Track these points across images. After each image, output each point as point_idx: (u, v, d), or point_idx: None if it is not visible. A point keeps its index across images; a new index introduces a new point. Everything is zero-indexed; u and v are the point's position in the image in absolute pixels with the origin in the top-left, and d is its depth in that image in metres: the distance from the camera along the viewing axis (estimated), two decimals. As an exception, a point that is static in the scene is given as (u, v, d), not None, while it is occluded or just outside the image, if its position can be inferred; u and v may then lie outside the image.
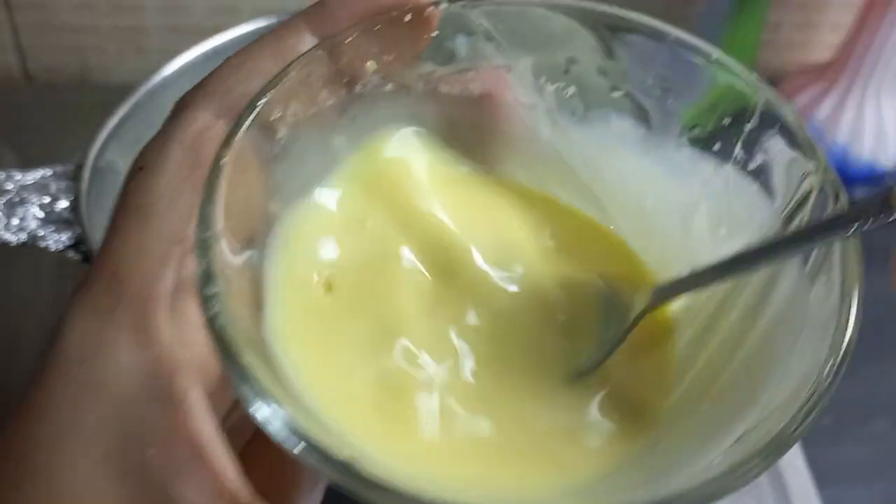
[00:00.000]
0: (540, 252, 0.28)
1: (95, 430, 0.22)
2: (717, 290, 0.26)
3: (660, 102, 0.28)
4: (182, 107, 0.25)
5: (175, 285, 0.22)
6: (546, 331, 0.27)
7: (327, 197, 0.27)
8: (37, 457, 0.23)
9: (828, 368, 0.24)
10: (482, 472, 0.24)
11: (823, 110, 0.68)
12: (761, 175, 0.26)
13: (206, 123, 0.24)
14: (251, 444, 0.24)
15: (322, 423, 0.23)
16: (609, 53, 0.27)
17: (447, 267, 0.27)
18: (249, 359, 0.20)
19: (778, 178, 0.26)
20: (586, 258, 0.28)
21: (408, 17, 0.25)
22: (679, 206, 0.28)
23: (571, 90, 0.28)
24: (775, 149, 0.26)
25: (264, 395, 0.20)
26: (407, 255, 0.27)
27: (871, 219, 0.26)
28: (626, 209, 0.28)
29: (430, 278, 0.27)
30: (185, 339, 0.22)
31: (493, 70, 0.28)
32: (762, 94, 0.26)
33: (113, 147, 0.41)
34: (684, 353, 0.27)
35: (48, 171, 0.39)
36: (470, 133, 0.28)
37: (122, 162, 0.41)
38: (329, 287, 0.26)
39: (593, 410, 0.26)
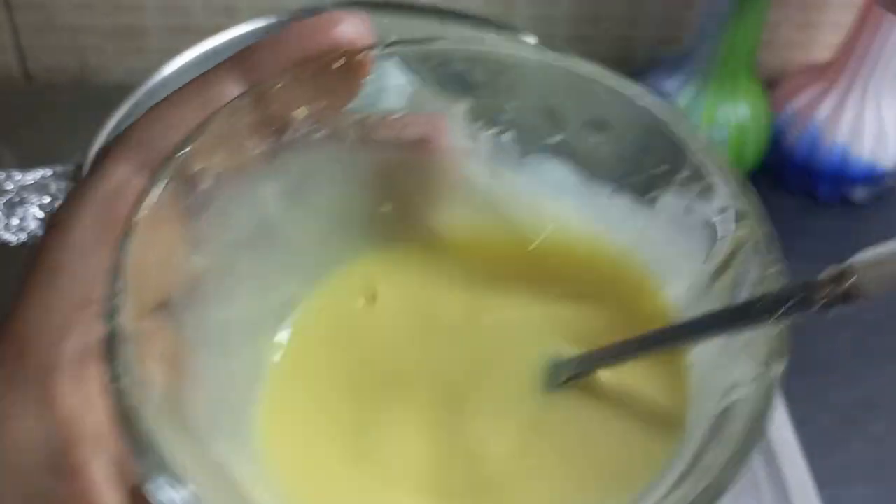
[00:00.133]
0: (476, 327, 0.28)
1: None
2: None
3: (596, 148, 0.27)
4: (102, 159, 0.24)
5: (82, 351, 0.22)
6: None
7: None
8: None
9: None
10: None
11: (823, 110, 0.68)
12: (694, 226, 0.26)
13: (123, 178, 0.23)
14: None
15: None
16: (547, 98, 0.27)
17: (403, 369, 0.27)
18: (155, 428, 0.19)
19: (709, 229, 0.26)
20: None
21: (340, 63, 0.25)
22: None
23: (508, 136, 0.27)
24: (708, 199, 0.26)
25: (166, 470, 0.19)
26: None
27: (798, 308, 0.25)
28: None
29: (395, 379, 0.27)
30: (89, 406, 0.21)
31: (428, 115, 0.27)
32: (698, 143, 0.26)
33: (113, 147, 0.41)
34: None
35: (48, 171, 0.39)
36: (405, 180, 0.28)
37: (122, 162, 0.41)
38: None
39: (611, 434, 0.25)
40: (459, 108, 0.27)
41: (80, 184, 0.24)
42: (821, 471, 0.49)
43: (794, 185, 0.71)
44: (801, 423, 0.50)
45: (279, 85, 0.24)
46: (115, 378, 0.20)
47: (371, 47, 0.25)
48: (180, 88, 0.25)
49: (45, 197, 0.39)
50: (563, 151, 0.27)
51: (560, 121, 0.27)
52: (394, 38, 0.26)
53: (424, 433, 0.26)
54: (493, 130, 0.27)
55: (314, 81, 0.25)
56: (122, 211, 0.22)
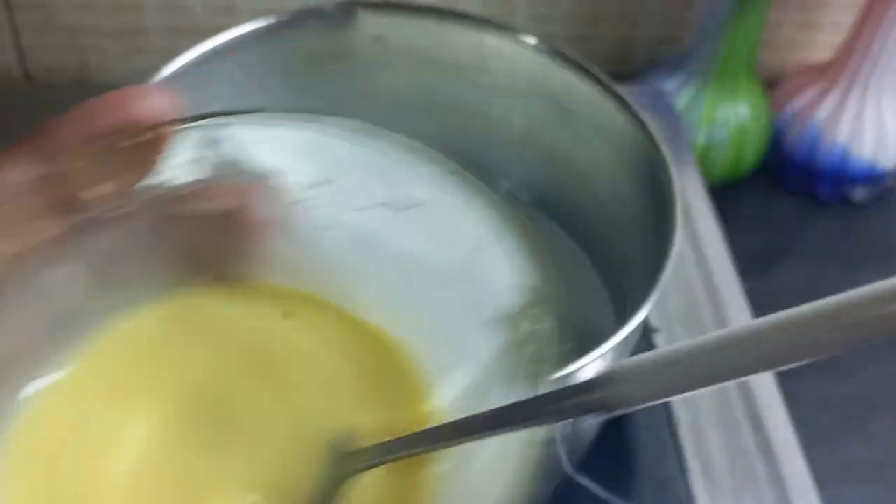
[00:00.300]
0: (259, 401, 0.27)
1: None
2: None
3: None
4: None
5: None
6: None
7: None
8: None
9: None
10: None
11: (823, 110, 0.68)
12: (479, 319, 0.26)
13: None
14: None
15: None
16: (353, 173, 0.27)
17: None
18: None
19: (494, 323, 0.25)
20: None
21: (138, 138, 0.24)
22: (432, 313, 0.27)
23: (325, 198, 0.27)
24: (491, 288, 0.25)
25: None
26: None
27: (555, 416, 0.23)
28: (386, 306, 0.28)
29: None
30: None
31: (236, 185, 0.26)
32: None
33: (113, 147, 0.41)
34: (439, 484, 0.26)
35: (48, 171, 0.39)
36: (215, 251, 0.27)
37: (121, 162, 0.41)
38: None
39: None
40: (273, 176, 0.27)
41: None
42: (820, 470, 0.49)
43: (794, 185, 0.71)
44: (801, 423, 0.50)
45: (75, 162, 0.24)
46: None
47: (170, 122, 0.25)
48: None
49: (44, 197, 0.39)
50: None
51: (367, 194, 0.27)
52: (190, 118, 0.25)
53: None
54: (308, 194, 0.27)
55: (112, 157, 0.24)
56: None
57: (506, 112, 0.50)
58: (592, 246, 0.51)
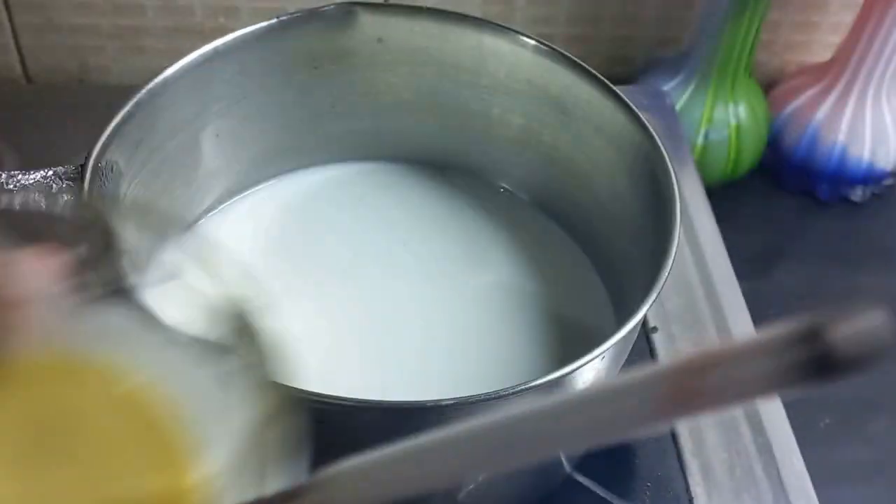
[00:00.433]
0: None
1: None
2: None
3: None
4: None
5: None
6: None
7: None
8: None
9: None
10: None
11: (822, 110, 0.68)
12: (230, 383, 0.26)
13: None
14: None
15: None
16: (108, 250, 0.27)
17: None
18: None
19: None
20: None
21: None
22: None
23: (91, 282, 0.27)
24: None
25: None
26: None
27: None
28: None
29: None
30: None
31: None
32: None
33: (114, 147, 0.41)
34: None
35: (49, 172, 0.39)
36: None
37: (122, 162, 0.41)
38: None
39: None
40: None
41: None
42: (819, 471, 0.49)
43: (794, 185, 0.72)
44: (800, 423, 0.50)
45: None
46: None
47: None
48: None
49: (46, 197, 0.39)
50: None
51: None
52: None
53: None
54: (79, 279, 0.27)
55: None
56: None
57: (506, 112, 0.50)
58: (592, 246, 0.51)
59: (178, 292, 0.27)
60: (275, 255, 0.50)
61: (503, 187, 0.54)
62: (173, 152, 0.46)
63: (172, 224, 0.27)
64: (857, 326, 0.17)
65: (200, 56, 0.44)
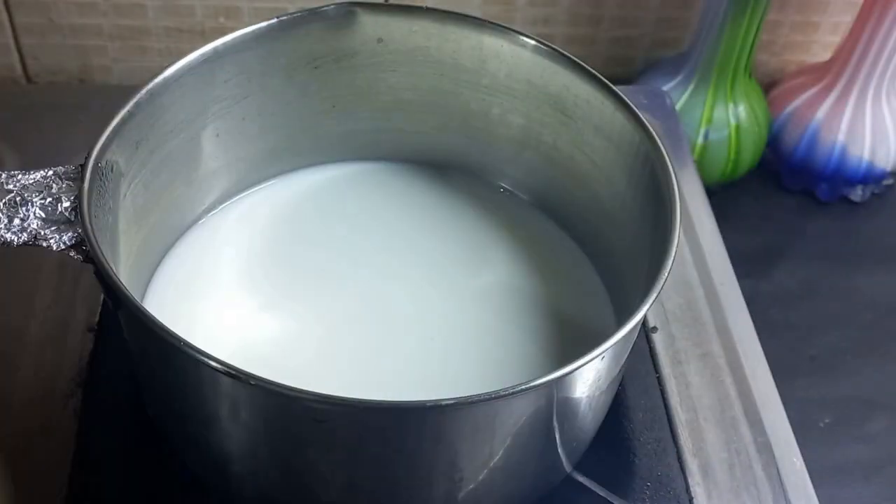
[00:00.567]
0: None
1: None
2: None
3: None
4: None
5: None
6: None
7: None
8: None
9: None
10: None
11: (822, 110, 0.68)
12: None
13: None
14: None
15: None
16: None
17: None
18: None
19: None
20: None
21: None
22: None
23: None
24: None
25: None
26: None
27: None
28: None
29: None
30: None
31: None
32: None
33: (114, 147, 0.41)
34: None
35: (49, 172, 0.39)
36: None
37: (122, 162, 0.41)
38: None
39: None
40: None
41: None
42: (818, 469, 0.49)
43: (793, 184, 0.72)
44: (799, 423, 0.50)
45: None
46: None
47: None
48: None
49: (46, 197, 0.39)
50: None
51: None
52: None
53: None
54: None
55: None
56: None
57: (506, 112, 0.50)
58: (592, 245, 0.51)
59: None
60: (275, 255, 0.50)
61: (503, 187, 0.54)
62: (173, 152, 0.46)
63: None
64: None
65: (200, 56, 0.44)
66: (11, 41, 0.68)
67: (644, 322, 0.53)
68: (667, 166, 0.42)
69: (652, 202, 0.43)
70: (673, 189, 0.41)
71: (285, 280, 0.49)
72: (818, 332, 0.62)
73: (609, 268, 0.50)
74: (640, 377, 0.51)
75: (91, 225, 0.37)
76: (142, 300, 0.47)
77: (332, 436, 0.36)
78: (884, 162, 0.69)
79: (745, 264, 0.59)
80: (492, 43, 0.48)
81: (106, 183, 0.40)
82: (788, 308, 0.64)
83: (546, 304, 0.49)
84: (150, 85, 0.43)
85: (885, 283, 0.66)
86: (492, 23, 0.47)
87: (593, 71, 0.46)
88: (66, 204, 0.39)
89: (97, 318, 0.51)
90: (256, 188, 0.53)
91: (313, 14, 0.47)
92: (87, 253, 0.38)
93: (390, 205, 0.53)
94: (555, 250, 0.52)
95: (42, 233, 0.38)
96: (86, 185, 0.39)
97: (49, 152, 0.58)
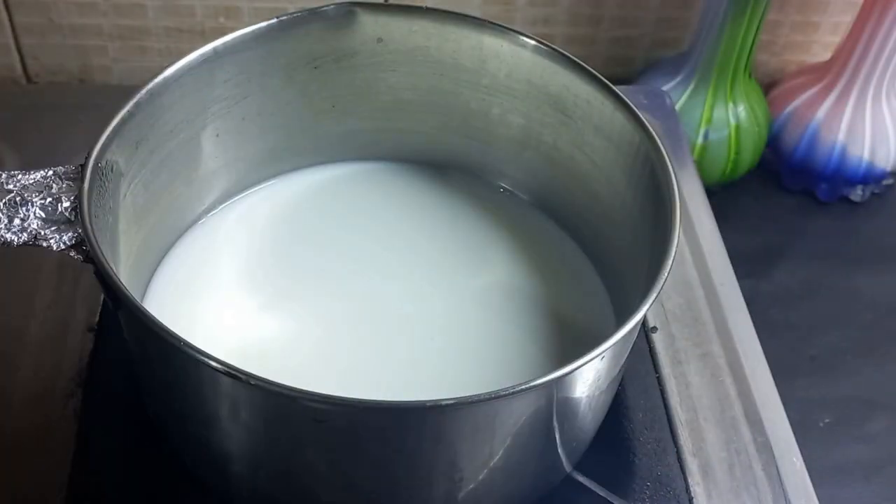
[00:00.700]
0: None
1: None
2: None
3: None
4: None
5: None
6: None
7: None
8: None
9: None
10: None
11: (822, 110, 0.68)
12: None
13: None
14: None
15: None
16: None
17: None
18: None
19: None
20: None
21: None
22: None
23: None
24: None
25: None
26: None
27: None
28: None
29: None
30: None
31: None
32: None
33: (114, 147, 0.41)
34: None
35: (49, 172, 0.39)
36: None
37: (122, 162, 0.41)
38: None
39: None
40: None
41: None
42: (818, 469, 0.49)
43: (793, 184, 0.72)
44: (799, 423, 0.50)
45: None
46: None
47: None
48: None
49: (46, 197, 0.39)
50: None
51: None
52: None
53: None
54: None
55: None
56: None
57: (506, 112, 0.50)
58: (592, 245, 0.51)
59: None
60: (275, 255, 0.50)
61: (503, 187, 0.54)
62: (173, 152, 0.46)
63: None
64: None
65: (200, 56, 0.44)
66: (11, 41, 0.68)
67: (644, 322, 0.53)
68: (667, 166, 0.42)
69: (652, 202, 0.43)
70: (673, 189, 0.41)
71: (285, 280, 0.49)
72: (818, 332, 0.62)
73: (609, 268, 0.50)
74: (640, 377, 0.51)
75: (91, 225, 0.37)
76: (142, 300, 0.47)
77: (332, 436, 0.36)
78: (884, 162, 0.69)
79: (745, 264, 0.59)
80: (492, 43, 0.48)
81: (106, 183, 0.40)
82: (788, 308, 0.64)
83: (546, 304, 0.49)
84: (150, 85, 0.43)
85: (885, 283, 0.66)
86: (492, 23, 0.47)
87: (593, 71, 0.46)
88: (66, 204, 0.39)
89: (97, 318, 0.51)
90: (256, 188, 0.53)
91: (313, 14, 0.47)
92: (87, 253, 0.38)
93: (390, 205, 0.53)
94: (555, 250, 0.52)
95: (42, 233, 0.38)
96: (86, 185, 0.39)
97: (49, 152, 0.58)
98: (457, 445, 0.37)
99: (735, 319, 0.54)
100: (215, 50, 0.45)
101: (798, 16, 0.72)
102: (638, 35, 0.72)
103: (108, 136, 0.40)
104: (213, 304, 0.48)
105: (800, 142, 0.69)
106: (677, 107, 0.67)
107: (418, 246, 0.51)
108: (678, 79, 0.68)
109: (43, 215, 0.39)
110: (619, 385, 0.48)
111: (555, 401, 0.38)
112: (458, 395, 0.34)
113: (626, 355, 0.41)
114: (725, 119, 0.68)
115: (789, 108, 0.70)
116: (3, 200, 0.39)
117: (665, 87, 0.68)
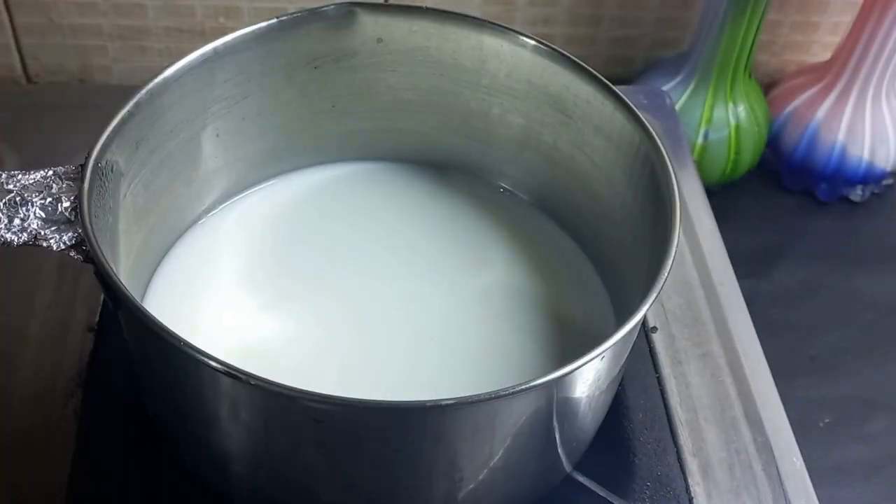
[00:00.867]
0: None
1: None
2: None
3: None
4: None
5: None
6: None
7: None
8: None
9: None
10: None
11: (822, 110, 0.68)
12: None
13: None
14: None
15: None
16: None
17: None
18: None
19: None
20: None
21: None
22: None
23: None
24: None
25: None
26: None
27: None
28: None
29: None
30: None
31: None
32: None
33: (114, 147, 0.41)
34: None
35: (50, 172, 0.39)
36: None
37: (122, 162, 0.41)
38: None
39: None
40: None
41: None
42: (818, 469, 0.49)
43: (793, 184, 0.72)
44: (799, 422, 0.50)
45: None
46: None
47: None
48: None
49: (47, 197, 0.39)
50: None
51: None
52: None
53: None
54: None
55: None
56: None
57: (506, 112, 0.50)
58: (592, 245, 0.51)
59: None
60: (275, 255, 0.50)
61: (503, 187, 0.54)
62: (173, 152, 0.46)
63: None
64: None
65: (200, 56, 0.44)
66: (11, 41, 0.68)
67: (644, 322, 0.53)
68: (667, 166, 0.42)
69: (652, 202, 0.43)
70: (673, 189, 0.41)
71: (285, 280, 0.49)
72: (818, 332, 0.62)
73: (609, 268, 0.50)
74: (640, 377, 0.51)
75: (91, 225, 0.37)
76: (142, 300, 0.47)
77: (332, 436, 0.36)
78: (884, 162, 0.69)
79: (745, 264, 0.59)
80: (492, 43, 0.48)
81: (106, 183, 0.40)
82: (788, 308, 0.64)
83: (546, 304, 0.49)
84: (150, 85, 0.43)
85: (885, 283, 0.66)
86: (492, 23, 0.47)
87: (593, 71, 0.46)
88: (66, 204, 0.39)
89: (97, 318, 0.51)
90: (256, 188, 0.53)
91: (313, 14, 0.47)
92: (87, 253, 0.38)
93: (390, 205, 0.53)
94: (555, 250, 0.52)
95: (42, 233, 0.38)
96: (86, 185, 0.39)
97: (49, 152, 0.58)
98: (457, 445, 0.37)
99: (735, 319, 0.54)
100: (215, 50, 0.45)
101: (798, 16, 0.72)
102: (638, 35, 0.72)
103: (108, 136, 0.40)
104: (213, 304, 0.48)
105: (800, 142, 0.69)
106: (677, 107, 0.67)
107: (418, 246, 0.51)
108: (678, 79, 0.68)
109: (43, 215, 0.39)
110: (619, 385, 0.48)
111: (555, 401, 0.38)
112: (458, 395, 0.34)
113: (626, 355, 0.41)
114: (725, 119, 0.68)
115: (789, 108, 0.70)
116: (3, 200, 0.39)
117: (665, 87, 0.68)
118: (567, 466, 0.44)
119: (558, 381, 0.36)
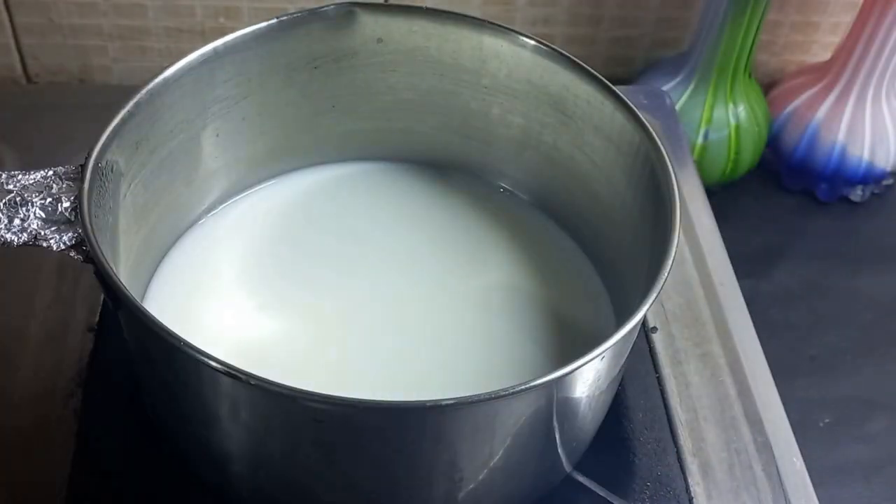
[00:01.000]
0: None
1: None
2: None
3: None
4: None
5: None
6: None
7: None
8: None
9: None
10: None
11: (822, 110, 0.68)
12: None
13: None
14: None
15: None
16: None
17: None
18: None
19: None
20: None
21: None
22: None
23: None
24: None
25: None
26: None
27: None
28: None
29: None
30: None
31: None
32: None
33: (114, 147, 0.41)
34: None
35: (50, 172, 0.39)
36: None
37: (122, 162, 0.41)
38: None
39: None
40: None
41: None
42: (818, 469, 0.49)
43: (793, 184, 0.72)
44: (800, 423, 0.50)
45: None
46: None
47: None
48: None
49: (46, 197, 0.39)
50: None
51: None
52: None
53: None
54: None
55: None
56: None
57: (506, 112, 0.50)
58: (592, 245, 0.51)
59: None
60: (275, 256, 0.50)
61: (503, 187, 0.54)
62: (173, 152, 0.46)
63: None
64: None
65: (200, 56, 0.44)
66: (11, 41, 0.68)
67: (644, 322, 0.53)
68: (667, 166, 0.42)
69: (652, 202, 0.43)
70: (673, 189, 0.41)
71: (285, 280, 0.49)
72: (818, 332, 0.62)
73: (609, 268, 0.50)
74: (640, 377, 0.51)
75: (91, 225, 0.37)
76: (142, 300, 0.47)
77: (332, 436, 0.36)
78: (883, 162, 0.69)
79: (745, 264, 0.59)
80: (492, 43, 0.48)
81: (106, 183, 0.40)
82: (788, 308, 0.64)
83: (546, 304, 0.49)
84: (150, 85, 0.43)
85: (885, 283, 0.66)
86: (492, 23, 0.47)
87: (593, 71, 0.46)
88: (66, 204, 0.39)
89: (97, 318, 0.51)
90: (256, 188, 0.53)
91: (313, 14, 0.47)
92: (87, 253, 0.38)
93: (390, 205, 0.53)
94: (555, 250, 0.52)
95: (42, 233, 0.38)
96: (86, 185, 0.39)
97: (49, 152, 0.58)
98: (457, 445, 0.37)
99: (735, 319, 0.54)
100: (215, 50, 0.45)
101: (798, 16, 0.72)
102: (638, 35, 0.72)
103: (108, 136, 0.40)
104: (212, 304, 0.48)
105: (800, 142, 0.69)
106: (677, 107, 0.67)
107: (418, 246, 0.51)
108: (678, 79, 0.68)
109: (43, 215, 0.39)
110: (619, 385, 0.48)
111: (555, 401, 0.38)
112: (458, 395, 0.34)
113: (626, 355, 0.41)
114: (725, 119, 0.68)
115: (789, 108, 0.70)
116: (3, 200, 0.39)
117: (665, 87, 0.68)
118: (567, 466, 0.44)
119: (558, 381, 0.36)
